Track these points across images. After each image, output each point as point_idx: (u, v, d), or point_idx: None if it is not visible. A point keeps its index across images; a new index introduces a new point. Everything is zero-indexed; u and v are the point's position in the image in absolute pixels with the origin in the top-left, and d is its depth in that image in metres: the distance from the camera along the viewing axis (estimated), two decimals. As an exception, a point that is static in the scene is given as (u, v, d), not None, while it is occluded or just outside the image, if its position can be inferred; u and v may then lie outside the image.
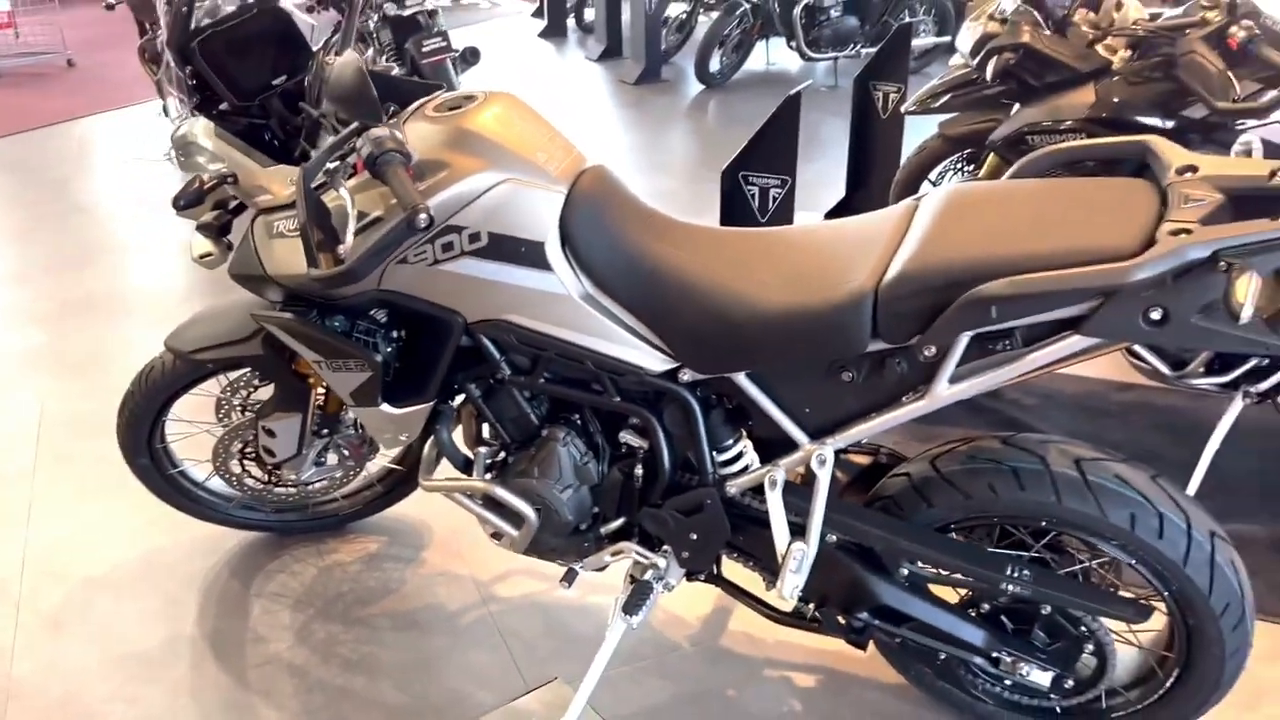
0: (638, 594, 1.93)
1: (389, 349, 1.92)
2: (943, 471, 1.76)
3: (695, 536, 1.89)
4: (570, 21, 9.97)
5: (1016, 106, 3.05)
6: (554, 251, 1.72)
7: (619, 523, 1.98)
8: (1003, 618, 1.87)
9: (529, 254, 1.71)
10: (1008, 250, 1.49)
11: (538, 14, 10.51)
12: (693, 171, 5.76)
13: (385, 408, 1.94)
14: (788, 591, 1.77)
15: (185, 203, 1.92)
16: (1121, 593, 1.77)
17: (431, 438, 2.08)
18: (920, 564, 1.85)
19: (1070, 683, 1.86)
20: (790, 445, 1.78)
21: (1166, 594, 1.72)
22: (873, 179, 4.36)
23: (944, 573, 1.82)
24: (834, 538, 1.83)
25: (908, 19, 7.37)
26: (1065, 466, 1.67)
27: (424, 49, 5.18)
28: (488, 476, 2.00)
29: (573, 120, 6.76)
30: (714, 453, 1.85)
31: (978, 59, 3.07)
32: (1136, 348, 2.46)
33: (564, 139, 1.84)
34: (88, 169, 6.05)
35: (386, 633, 2.36)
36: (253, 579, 2.54)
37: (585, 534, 2.00)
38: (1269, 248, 1.32)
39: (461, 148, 1.71)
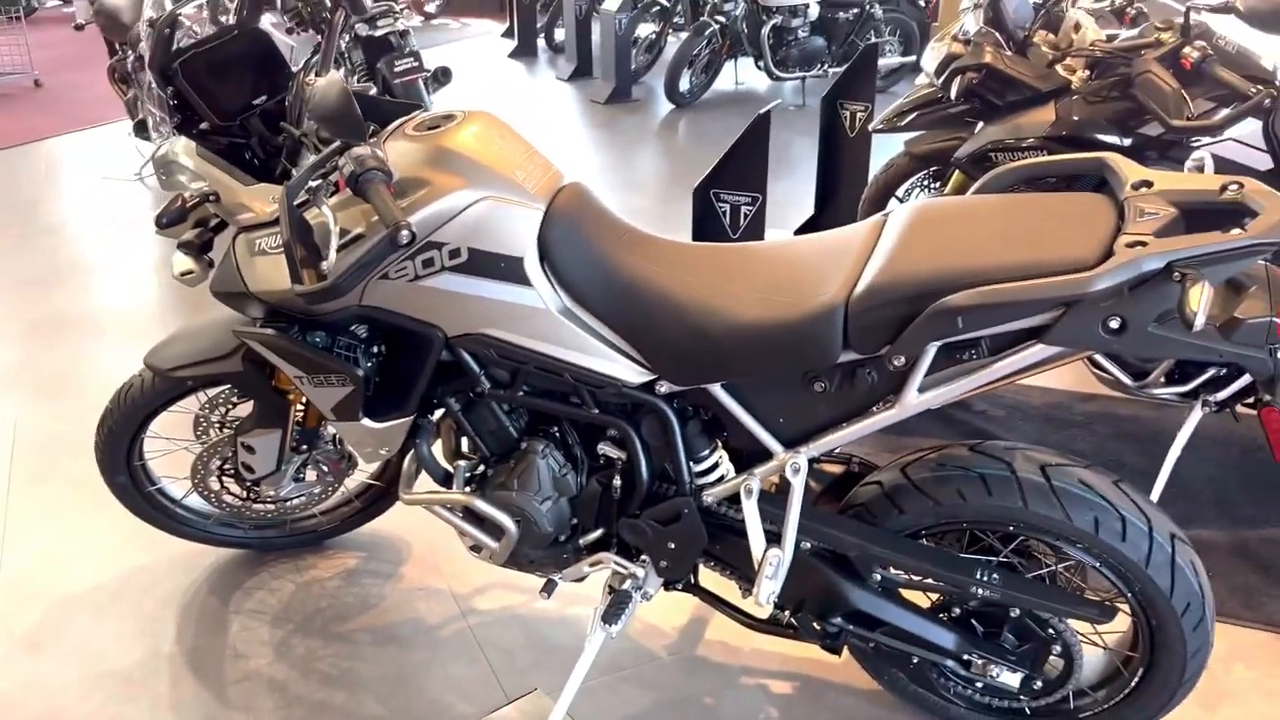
0: (617, 603, 1.96)
1: (370, 364, 1.95)
2: (913, 479, 1.81)
3: (673, 546, 1.92)
4: (540, 41, 10.04)
5: (980, 125, 3.12)
6: (533, 267, 1.76)
7: (598, 533, 2.01)
8: (973, 621, 1.91)
9: (508, 269, 1.75)
10: (973, 262, 1.54)
11: (508, 34, 10.58)
12: (664, 190, 5.82)
13: (366, 422, 1.97)
14: (764, 597, 1.81)
15: (167, 221, 1.95)
16: (1087, 595, 1.82)
17: (411, 452, 2.11)
18: (892, 569, 1.90)
19: (1039, 684, 1.91)
20: (765, 455, 1.82)
21: (1130, 595, 1.77)
22: (841, 196, 4.43)
23: (916, 578, 1.87)
24: (808, 545, 1.88)
25: (874, 39, 7.49)
26: (1031, 472, 1.73)
27: (396, 69, 5.21)
28: (467, 489, 2.03)
29: (544, 139, 6.81)
30: (690, 463, 1.89)
31: (942, 79, 3.14)
32: (1099, 358, 2.53)
33: (542, 157, 1.88)
34: (56, 189, 6.02)
35: (366, 647, 2.38)
36: (231, 596, 2.54)
37: (564, 545, 2.03)
38: (1220, 259, 1.39)
39: (441, 166, 1.74)
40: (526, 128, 7.03)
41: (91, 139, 7.17)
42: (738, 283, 1.75)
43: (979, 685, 2.01)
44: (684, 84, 7.57)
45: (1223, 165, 2.73)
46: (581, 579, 2.10)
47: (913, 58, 7.72)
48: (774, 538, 1.84)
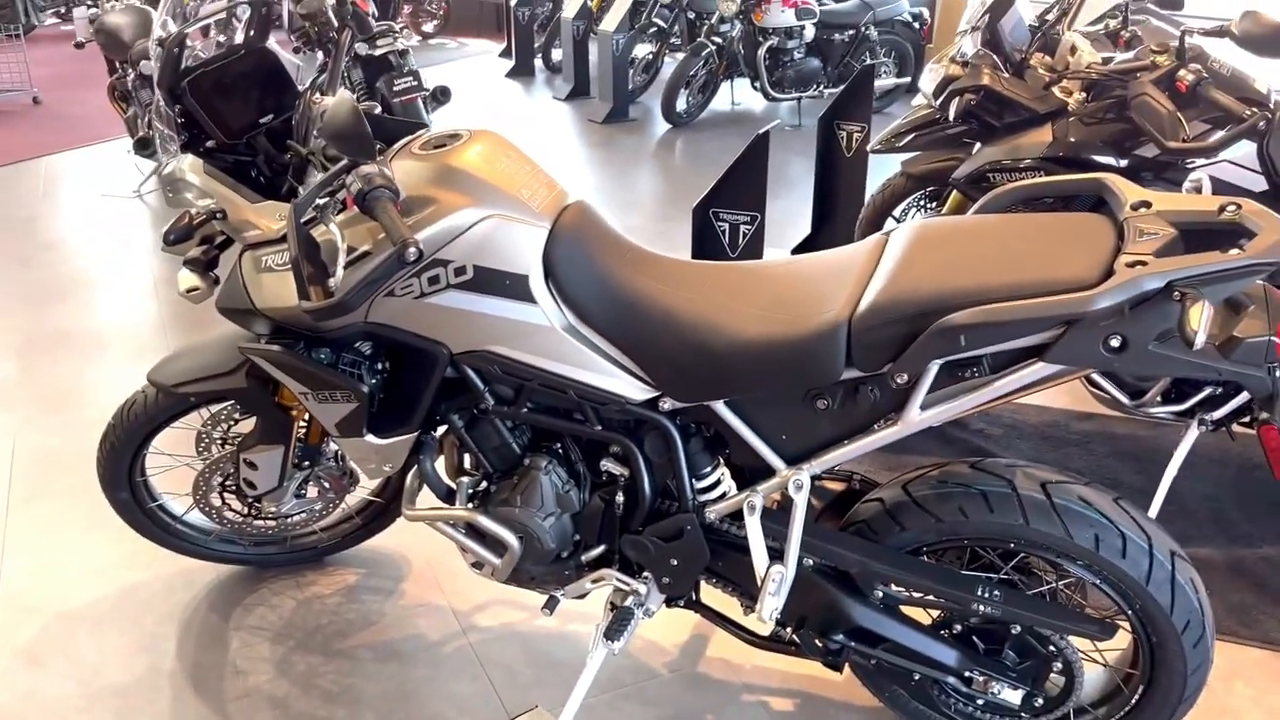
0: (619, 620, 1.97)
1: (374, 380, 1.96)
2: (914, 496, 1.82)
3: (675, 562, 1.93)
4: (538, 61, 10.08)
5: (978, 145, 3.15)
6: (538, 284, 1.77)
7: (600, 550, 2.02)
8: (974, 638, 1.92)
9: (513, 287, 1.77)
10: (975, 281, 1.56)
11: (505, 54, 10.62)
12: (661, 209, 5.84)
13: (370, 438, 1.98)
14: (766, 614, 1.82)
15: (175, 238, 1.96)
16: (1088, 612, 1.83)
17: (414, 468, 2.12)
18: (894, 586, 1.91)
19: (1040, 701, 1.92)
20: (767, 471, 1.84)
21: (1130, 612, 1.78)
22: (838, 216, 4.45)
23: (917, 594, 1.88)
24: (810, 561, 1.88)
25: (869, 61, 7.54)
26: (1032, 490, 1.74)
27: (395, 88, 5.23)
28: (470, 506, 2.04)
29: (543, 158, 6.83)
30: (693, 479, 1.90)
31: (940, 100, 3.17)
32: (1096, 378, 2.54)
33: (547, 175, 1.90)
34: (55, 206, 6.02)
35: (367, 664, 2.37)
36: (232, 612, 2.54)
37: (566, 561, 2.04)
38: (1220, 278, 1.41)
39: (448, 184, 1.76)
40: (525, 147, 7.06)
41: (90, 156, 7.18)
42: (741, 300, 1.76)
43: (980, 702, 2.01)
44: (681, 104, 7.61)
45: (1217, 187, 2.76)
46: (583, 595, 2.11)
47: (908, 79, 7.77)
48: (776, 554, 1.85)
